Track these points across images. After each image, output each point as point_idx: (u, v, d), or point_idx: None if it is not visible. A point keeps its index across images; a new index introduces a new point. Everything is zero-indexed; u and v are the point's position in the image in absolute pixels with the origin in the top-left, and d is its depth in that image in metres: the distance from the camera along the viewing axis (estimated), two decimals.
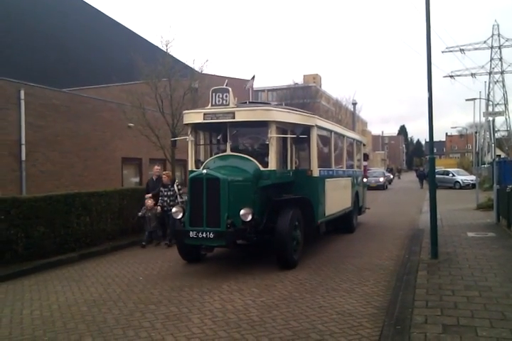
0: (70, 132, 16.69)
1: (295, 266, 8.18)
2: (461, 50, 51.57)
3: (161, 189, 11.37)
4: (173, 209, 8.32)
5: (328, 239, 11.20)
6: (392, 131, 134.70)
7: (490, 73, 52.55)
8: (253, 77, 10.07)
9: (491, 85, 50.20)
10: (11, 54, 22.84)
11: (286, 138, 9.05)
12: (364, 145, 15.87)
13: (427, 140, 9.76)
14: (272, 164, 8.46)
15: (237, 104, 8.70)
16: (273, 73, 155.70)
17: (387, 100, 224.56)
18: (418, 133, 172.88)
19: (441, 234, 9.89)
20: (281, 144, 9.05)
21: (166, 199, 11.31)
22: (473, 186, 27.55)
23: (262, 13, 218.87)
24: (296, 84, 50.62)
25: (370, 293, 6.59)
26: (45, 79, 19.94)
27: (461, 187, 32.75)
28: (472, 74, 55.42)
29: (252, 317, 5.62)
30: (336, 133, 11.46)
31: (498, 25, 57.04)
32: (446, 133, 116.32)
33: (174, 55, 17.86)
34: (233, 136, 8.94)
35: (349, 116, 51.33)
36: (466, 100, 26.58)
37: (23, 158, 14.66)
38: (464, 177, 34.28)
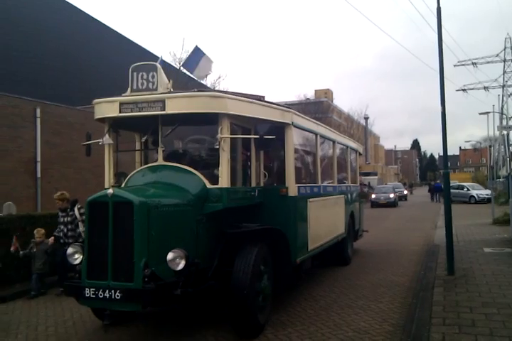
0: (84, 149, 16.90)
1: (260, 332, 5.58)
2: (474, 64, 51.43)
3: (59, 213, 8.32)
4: (69, 250, 5.36)
5: None
6: (406, 145, 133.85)
7: (503, 86, 52.20)
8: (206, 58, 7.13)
9: (505, 98, 49.87)
10: (27, 72, 23.30)
11: (249, 140, 6.34)
12: (360, 154, 13.34)
13: (441, 154, 9.69)
14: (224, 179, 5.70)
15: (172, 90, 6.05)
16: (284, 88, 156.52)
17: (400, 114, 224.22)
18: (431, 147, 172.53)
19: (457, 250, 9.75)
20: (241, 150, 6.40)
21: (62, 227, 8.16)
22: (488, 200, 27.20)
23: (273, 29, 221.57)
24: (308, 99, 50.87)
25: (386, 310, 6.51)
26: (60, 96, 20.29)
27: (476, 202, 32.37)
28: (485, 88, 55.20)
29: (266, 334, 5.57)
30: (322, 136, 8.71)
31: (510, 38, 56.93)
32: (460, 147, 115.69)
33: (187, 72, 18.12)
34: (168, 138, 6.12)
35: (361, 131, 51.43)
36: (480, 114, 26.48)
37: (39, 175, 14.87)
38: (479, 192, 33.90)
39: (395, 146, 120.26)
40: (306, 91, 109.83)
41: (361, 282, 8.33)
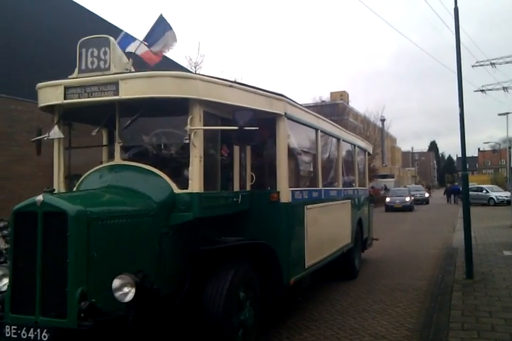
0: None
1: None
2: (492, 64, 50.76)
3: None
4: None
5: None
6: (423, 147, 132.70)
7: None
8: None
9: None
10: (43, 77, 23.65)
11: (229, 133, 4.86)
12: (369, 154, 12.22)
13: (459, 156, 9.54)
14: (196, 182, 4.57)
15: (129, 69, 4.89)
16: (300, 91, 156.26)
17: (418, 115, 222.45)
18: (450, 148, 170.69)
19: (476, 253, 9.61)
20: (220, 146, 5.18)
21: None
22: (508, 203, 26.78)
23: (288, 32, 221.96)
24: (323, 101, 50.72)
25: (403, 314, 6.43)
26: None
27: (496, 204, 31.92)
28: (504, 88, 54.43)
29: (282, 339, 5.54)
30: (324, 132, 7.58)
31: None
32: (479, 149, 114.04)
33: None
34: (127, 131, 4.99)
35: (377, 133, 51.05)
36: (499, 115, 26.17)
37: None
38: (499, 194, 33.44)
39: (412, 148, 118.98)
40: (321, 93, 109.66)
41: (378, 286, 8.25)
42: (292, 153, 6.29)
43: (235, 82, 5.15)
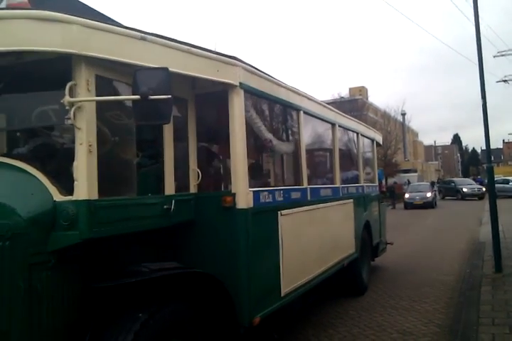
0: None
1: None
2: None
3: None
4: None
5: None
6: (446, 140, 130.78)
7: None
8: None
9: None
10: None
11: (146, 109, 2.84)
12: (379, 144, 10.26)
13: (483, 148, 9.34)
14: (83, 183, 2.85)
15: None
16: (319, 87, 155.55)
17: (440, 108, 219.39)
18: (473, 141, 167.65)
19: (504, 247, 9.39)
20: (133, 126, 3.36)
21: None
22: None
23: (308, 28, 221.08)
24: (342, 97, 50.35)
25: (431, 310, 6.31)
26: None
27: None
28: None
29: (307, 336, 5.49)
30: (310, 114, 5.73)
31: None
32: (504, 140, 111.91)
33: None
34: None
35: (399, 128, 50.55)
36: None
37: None
38: None
39: (435, 142, 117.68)
40: (340, 89, 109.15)
41: (404, 282, 8.12)
42: (260, 141, 4.80)
43: (154, 35, 3.26)
